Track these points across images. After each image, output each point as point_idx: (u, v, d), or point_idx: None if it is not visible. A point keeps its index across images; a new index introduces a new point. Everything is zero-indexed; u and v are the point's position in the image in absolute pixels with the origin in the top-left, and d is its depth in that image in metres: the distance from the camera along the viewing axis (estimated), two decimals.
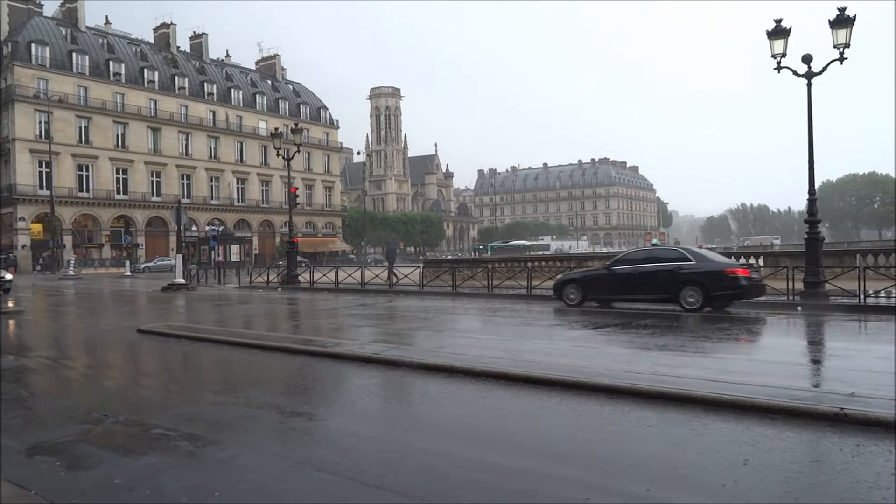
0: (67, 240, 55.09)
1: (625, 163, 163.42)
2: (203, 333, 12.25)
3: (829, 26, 14.93)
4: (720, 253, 21.56)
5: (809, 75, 15.49)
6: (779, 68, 15.63)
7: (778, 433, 5.22)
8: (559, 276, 18.07)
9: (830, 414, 5.42)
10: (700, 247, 31.10)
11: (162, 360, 10.52)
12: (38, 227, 54.90)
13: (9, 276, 26.61)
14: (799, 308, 14.75)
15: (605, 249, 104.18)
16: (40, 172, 54.26)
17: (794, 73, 15.64)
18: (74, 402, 7.30)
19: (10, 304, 19.86)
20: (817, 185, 16.36)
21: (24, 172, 53.59)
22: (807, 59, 15.48)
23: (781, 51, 15.54)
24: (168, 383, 8.61)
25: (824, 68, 15.37)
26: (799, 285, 15.72)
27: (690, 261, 14.84)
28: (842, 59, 14.95)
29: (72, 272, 43.00)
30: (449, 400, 6.95)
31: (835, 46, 14.92)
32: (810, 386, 7.09)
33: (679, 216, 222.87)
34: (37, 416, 6.72)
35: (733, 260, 17.92)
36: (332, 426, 6.04)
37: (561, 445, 5.24)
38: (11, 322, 15.70)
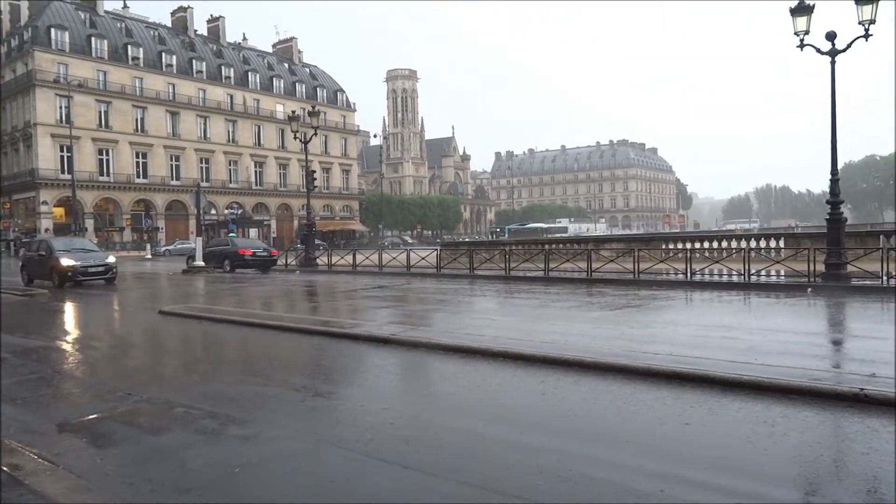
0: (89, 223, 55.76)
1: (644, 144, 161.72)
2: (223, 315, 12.41)
3: (854, 1, 14.55)
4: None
5: (833, 53, 15.10)
6: (801, 46, 15.26)
7: (796, 413, 5.21)
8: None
9: (850, 394, 5.39)
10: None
11: (183, 341, 10.69)
12: (60, 211, 55.60)
13: None
14: (809, 290, 14.52)
15: (623, 232, 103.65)
16: (61, 157, 54.84)
17: (818, 50, 15.24)
18: (99, 380, 7.46)
19: None
20: (839, 166, 16.02)
21: (46, 157, 54.24)
22: (830, 37, 15.08)
23: (804, 28, 15.16)
24: (190, 363, 8.75)
25: (849, 45, 14.96)
26: (820, 267, 15.52)
27: (229, 246, 29.19)
28: (867, 35, 14.58)
29: None
30: (466, 380, 6.99)
31: (860, 23, 14.54)
32: (831, 367, 7.05)
33: (699, 198, 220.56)
34: (64, 394, 6.88)
35: (257, 243, 32.01)
36: (351, 405, 6.13)
37: (577, 424, 5.28)
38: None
